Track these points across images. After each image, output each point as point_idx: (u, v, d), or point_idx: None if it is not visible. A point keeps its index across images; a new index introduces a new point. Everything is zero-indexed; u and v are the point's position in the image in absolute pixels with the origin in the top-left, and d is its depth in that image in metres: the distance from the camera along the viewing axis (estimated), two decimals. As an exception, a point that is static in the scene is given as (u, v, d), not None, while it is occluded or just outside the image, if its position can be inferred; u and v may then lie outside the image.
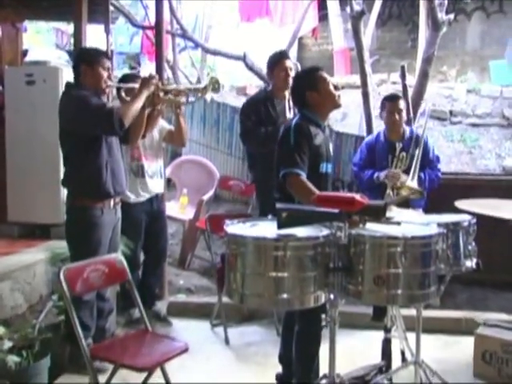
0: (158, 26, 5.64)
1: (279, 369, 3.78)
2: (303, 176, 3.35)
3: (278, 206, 2.67)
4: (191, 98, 4.41)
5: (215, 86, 4.10)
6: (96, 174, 3.85)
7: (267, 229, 2.77)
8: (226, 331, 4.72)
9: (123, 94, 4.10)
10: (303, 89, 3.61)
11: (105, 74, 3.92)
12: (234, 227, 2.85)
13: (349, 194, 2.83)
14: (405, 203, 3.69)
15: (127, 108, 3.78)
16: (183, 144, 5.09)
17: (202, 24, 12.92)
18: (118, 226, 4.13)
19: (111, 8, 7.32)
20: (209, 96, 4.16)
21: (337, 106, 3.68)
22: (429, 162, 4.70)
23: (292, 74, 4.67)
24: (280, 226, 2.62)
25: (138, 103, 3.81)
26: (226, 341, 4.68)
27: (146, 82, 3.88)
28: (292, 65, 4.80)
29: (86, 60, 3.95)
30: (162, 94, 4.08)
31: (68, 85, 4.05)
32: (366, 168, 4.80)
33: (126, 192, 4.32)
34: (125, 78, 4.59)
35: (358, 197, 2.69)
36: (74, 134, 3.85)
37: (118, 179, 3.99)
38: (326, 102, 3.60)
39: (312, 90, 3.57)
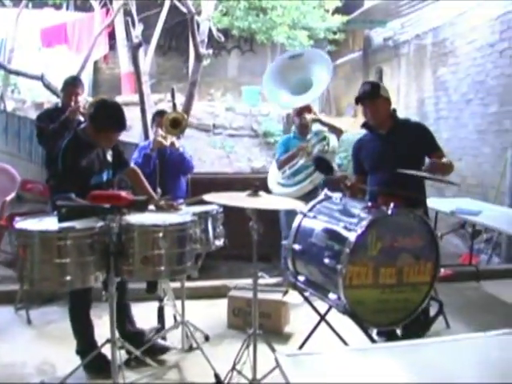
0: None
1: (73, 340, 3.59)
2: (72, 196, 3.03)
3: (58, 202, 2.59)
4: None
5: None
6: None
7: (51, 223, 2.68)
8: (28, 313, 4.45)
9: None
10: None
11: None
12: (23, 223, 2.73)
13: (116, 192, 2.82)
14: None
15: None
16: None
17: (5, 47, 12.06)
18: None
19: None
20: None
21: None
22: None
23: (79, 97, 4.63)
24: (60, 220, 2.56)
25: None
26: (28, 321, 4.41)
27: None
28: (80, 89, 4.71)
29: None
30: None
31: None
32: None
33: None
34: None
35: (124, 193, 2.69)
36: None
37: None
38: (98, 138, 3.27)
39: (91, 124, 3.25)
